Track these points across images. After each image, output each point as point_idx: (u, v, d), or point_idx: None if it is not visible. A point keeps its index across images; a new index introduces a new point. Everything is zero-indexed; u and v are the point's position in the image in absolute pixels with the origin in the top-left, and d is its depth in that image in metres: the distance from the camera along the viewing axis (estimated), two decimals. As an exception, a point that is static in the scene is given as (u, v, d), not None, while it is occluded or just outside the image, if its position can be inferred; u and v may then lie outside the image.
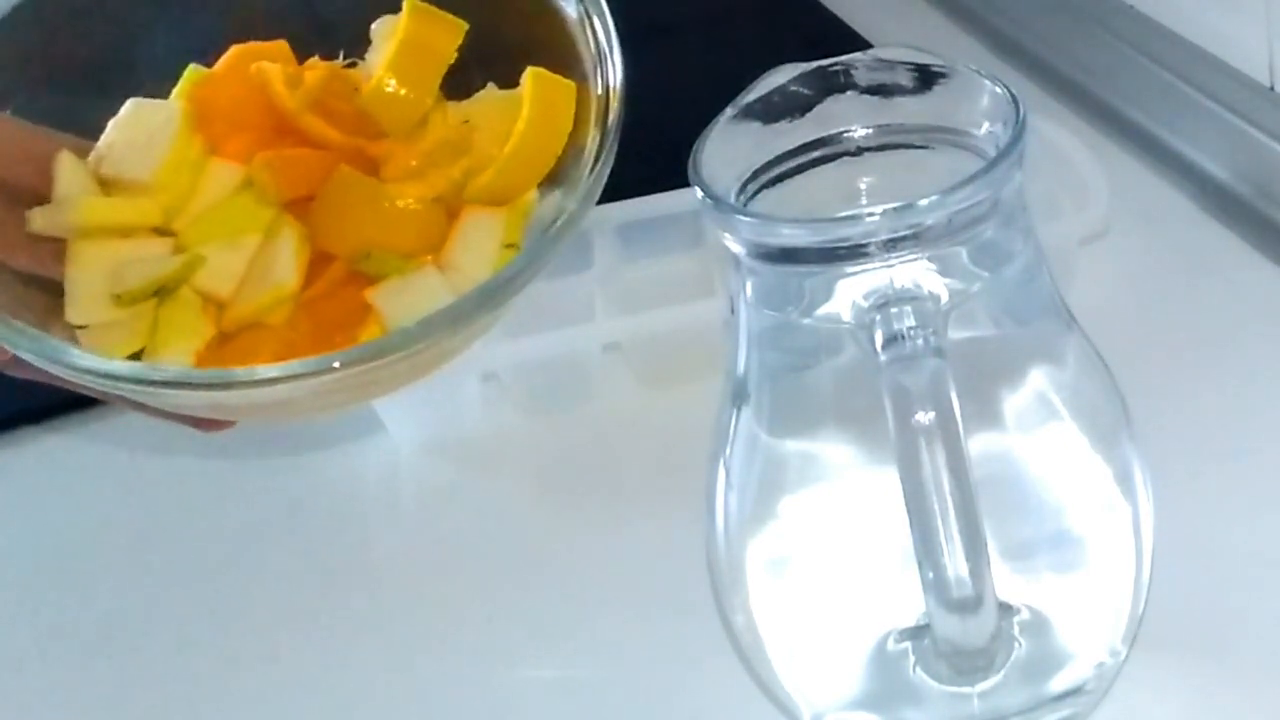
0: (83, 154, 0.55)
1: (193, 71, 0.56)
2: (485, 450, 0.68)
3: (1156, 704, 0.52)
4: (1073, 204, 0.68)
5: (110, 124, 0.55)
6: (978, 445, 0.45)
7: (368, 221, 0.54)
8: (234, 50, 0.57)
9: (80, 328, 0.52)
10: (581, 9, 0.56)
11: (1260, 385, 0.63)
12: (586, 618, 0.59)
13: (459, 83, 0.57)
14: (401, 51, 0.56)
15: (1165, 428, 0.55)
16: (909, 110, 0.49)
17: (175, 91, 0.56)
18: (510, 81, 0.56)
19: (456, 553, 0.63)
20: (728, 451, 0.50)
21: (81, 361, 0.49)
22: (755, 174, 0.49)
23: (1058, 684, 0.49)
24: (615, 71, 0.54)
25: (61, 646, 0.63)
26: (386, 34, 0.57)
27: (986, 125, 0.47)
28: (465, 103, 0.57)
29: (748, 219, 0.46)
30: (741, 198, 0.48)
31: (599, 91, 0.54)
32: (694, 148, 0.48)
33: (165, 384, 0.49)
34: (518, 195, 0.54)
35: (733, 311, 0.50)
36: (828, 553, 0.49)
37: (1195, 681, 0.52)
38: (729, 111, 0.49)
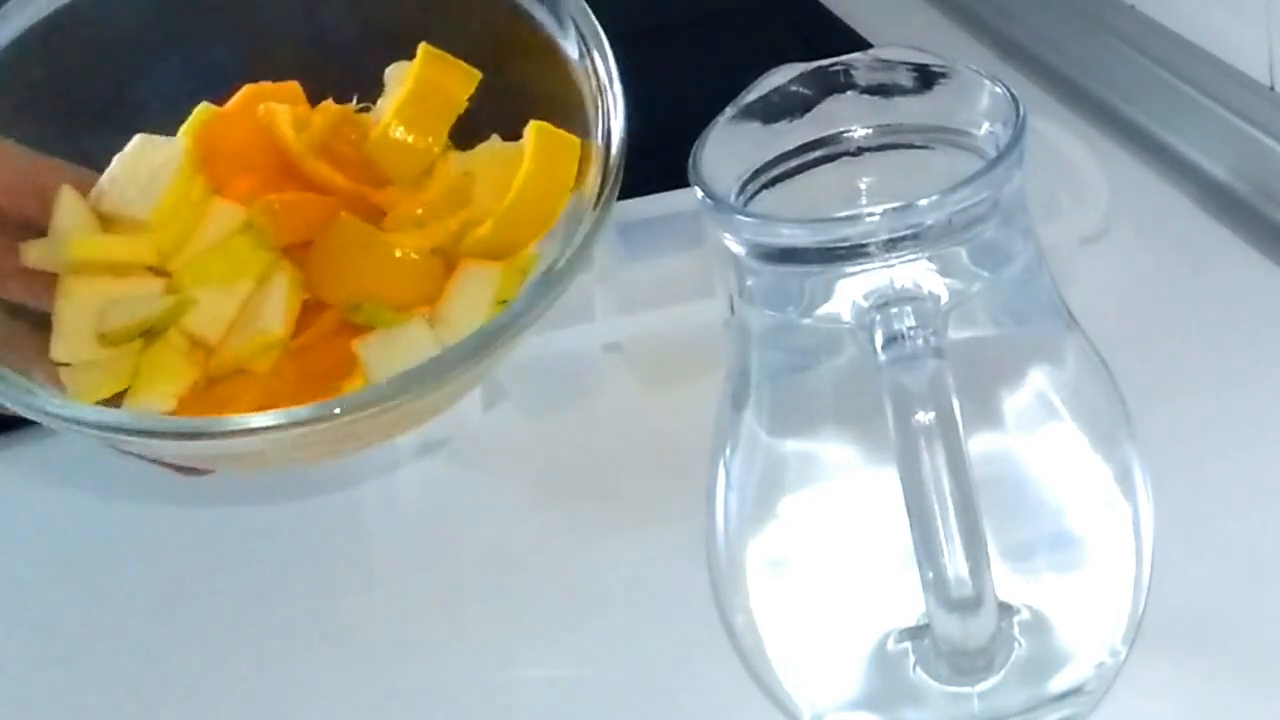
0: (87, 185, 0.54)
1: (203, 110, 0.55)
2: (485, 450, 0.68)
3: (1156, 704, 0.51)
4: (1073, 204, 0.68)
5: (115, 159, 0.54)
6: (978, 445, 0.45)
7: (364, 271, 0.53)
8: (246, 89, 0.56)
9: (64, 365, 0.52)
10: (581, 45, 0.55)
11: (1260, 385, 0.63)
12: (586, 618, 0.59)
13: (463, 128, 0.56)
14: (411, 98, 0.55)
15: (1165, 428, 0.55)
16: (909, 110, 0.49)
17: (183, 129, 0.55)
18: (513, 127, 0.55)
19: (456, 553, 0.63)
20: (728, 451, 0.50)
21: (50, 407, 0.48)
22: (755, 174, 0.49)
23: (1058, 684, 0.49)
24: (617, 120, 0.53)
25: (62, 643, 0.63)
26: (399, 79, 0.56)
27: (986, 125, 0.47)
28: (469, 153, 0.56)
29: (748, 219, 0.46)
30: (741, 198, 0.48)
31: (599, 141, 0.53)
32: (694, 148, 0.48)
33: (131, 432, 0.48)
34: (515, 251, 0.53)
35: (733, 311, 0.50)
36: (828, 553, 0.49)
37: (1195, 681, 0.52)
38: (729, 111, 0.49)
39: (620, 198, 0.63)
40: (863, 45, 0.78)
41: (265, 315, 0.52)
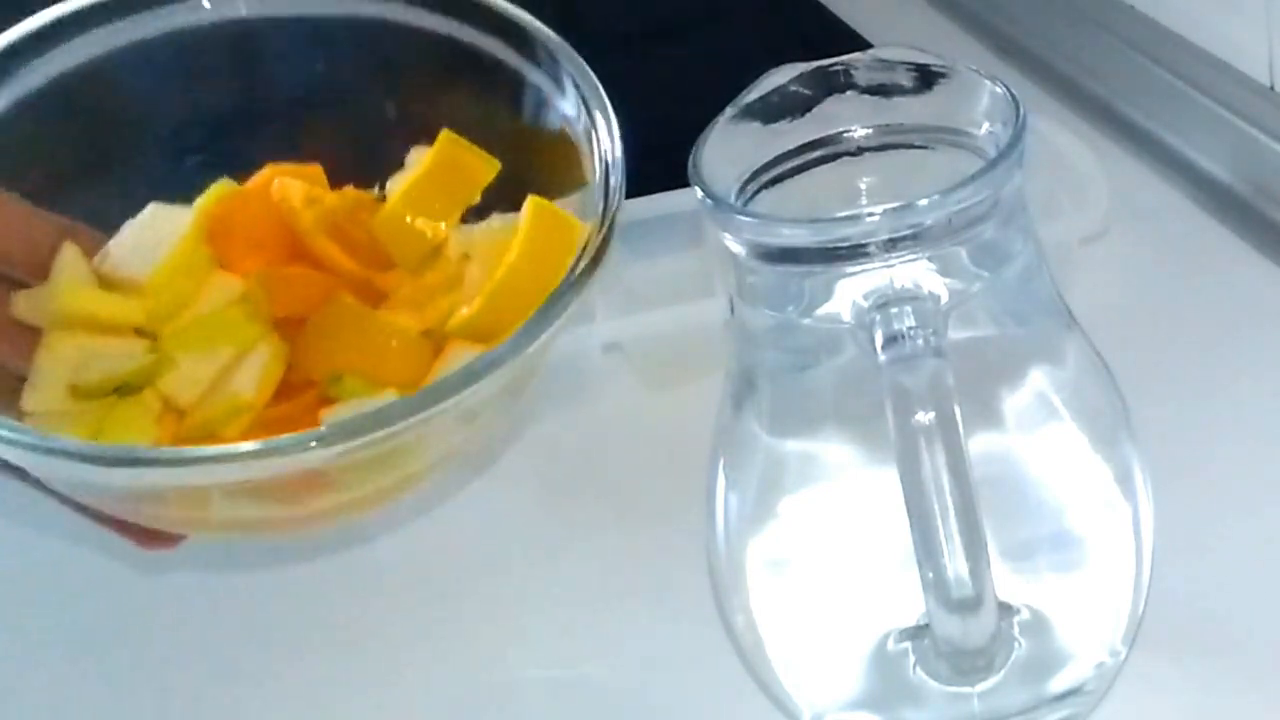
0: (92, 245, 0.54)
1: (221, 185, 0.55)
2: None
3: (1156, 704, 0.52)
4: (1073, 204, 0.68)
5: (125, 225, 0.54)
6: (978, 445, 0.45)
7: (350, 347, 0.52)
8: (268, 169, 0.56)
9: (29, 415, 0.51)
10: (581, 104, 0.54)
11: (1260, 385, 0.63)
12: (586, 618, 0.59)
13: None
14: (422, 181, 0.55)
15: (1165, 428, 0.55)
16: (909, 110, 0.49)
17: (198, 202, 0.55)
18: (517, 199, 0.54)
19: (456, 553, 0.63)
20: (728, 451, 0.50)
21: (6, 433, 0.47)
22: (755, 174, 0.49)
23: (1058, 684, 0.49)
24: (616, 190, 0.52)
25: (61, 639, 0.63)
26: (419, 163, 0.56)
27: (986, 125, 0.47)
28: (468, 231, 0.55)
29: (748, 219, 0.46)
30: (741, 198, 0.48)
31: (596, 214, 0.52)
32: (694, 148, 0.48)
33: (61, 454, 0.46)
34: (504, 332, 0.50)
35: (733, 311, 0.50)
36: (828, 553, 0.49)
37: (1195, 681, 0.52)
38: (729, 111, 0.49)
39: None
40: (863, 45, 0.78)
41: (240, 379, 0.51)
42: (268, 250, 0.54)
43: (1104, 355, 0.50)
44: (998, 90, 0.47)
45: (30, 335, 0.52)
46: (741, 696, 0.54)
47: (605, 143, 0.53)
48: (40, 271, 0.53)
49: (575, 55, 0.55)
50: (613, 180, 0.52)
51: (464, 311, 0.53)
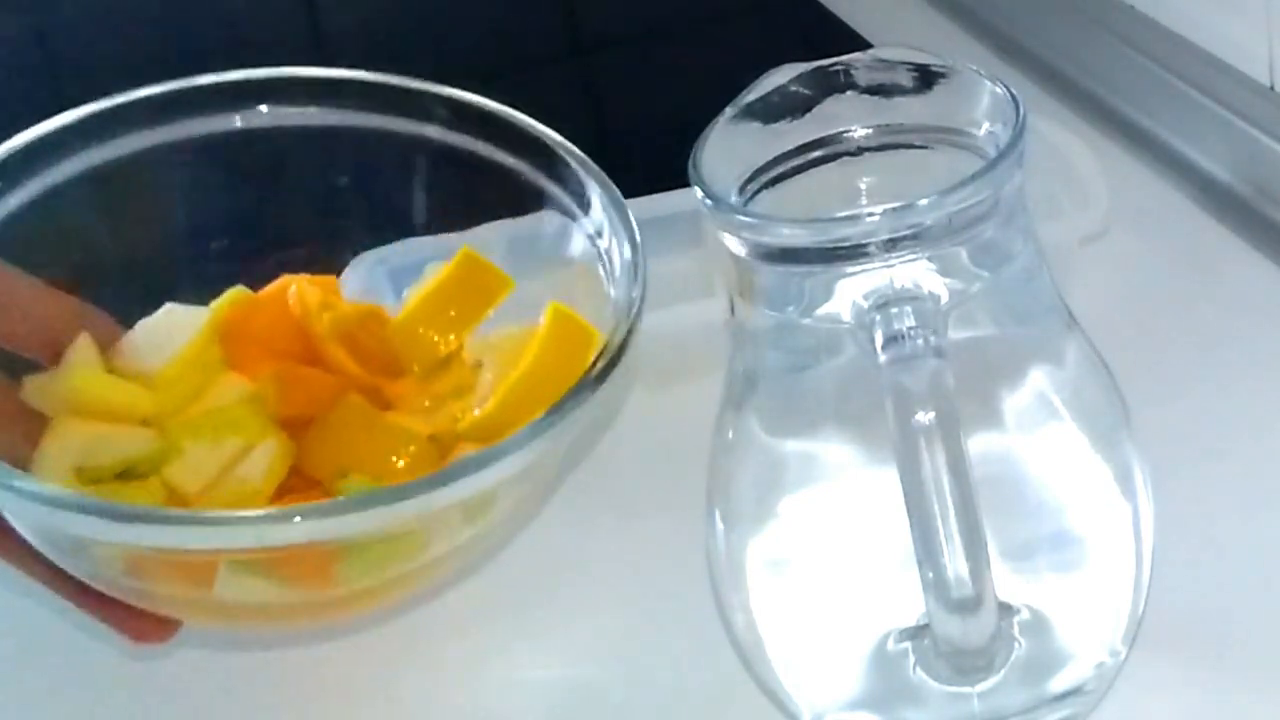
0: (101, 327, 0.55)
1: (236, 291, 0.56)
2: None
3: (1156, 704, 0.52)
4: (1073, 204, 0.68)
5: (140, 322, 0.55)
6: (978, 445, 0.45)
7: (359, 447, 0.52)
8: (284, 279, 0.57)
9: None
10: (606, 219, 0.55)
11: (1260, 385, 0.63)
12: (586, 618, 0.59)
13: None
14: (436, 296, 0.56)
15: (1165, 428, 0.55)
16: (909, 110, 0.49)
17: (213, 304, 0.56)
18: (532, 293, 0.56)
19: (456, 553, 0.63)
20: (728, 451, 0.50)
21: (16, 483, 0.47)
22: (755, 174, 0.49)
23: (1058, 684, 0.49)
24: (636, 304, 0.52)
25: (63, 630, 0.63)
26: (435, 275, 0.57)
27: (986, 125, 0.47)
28: (485, 335, 0.56)
29: (748, 219, 0.46)
30: (741, 198, 0.48)
31: (612, 323, 0.53)
32: (694, 148, 0.48)
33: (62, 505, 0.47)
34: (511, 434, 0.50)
35: (733, 311, 0.50)
36: (828, 553, 0.50)
37: (1195, 681, 0.52)
38: (729, 111, 0.49)
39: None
40: (863, 45, 0.78)
41: (246, 468, 0.52)
42: (279, 355, 0.55)
43: (1104, 355, 0.50)
44: (998, 90, 0.47)
45: (38, 421, 0.53)
46: (741, 696, 0.54)
47: (627, 255, 0.54)
48: (53, 354, 0.54)
49: (598, 169, 0.56)
50: (634, 294, 0.53)
51: (475, 413, 0.54)
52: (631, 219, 0.54)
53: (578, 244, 0.56)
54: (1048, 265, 0.49)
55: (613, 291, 0.54)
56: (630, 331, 0.51)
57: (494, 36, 0.97)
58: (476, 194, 0.59)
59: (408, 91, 0.59)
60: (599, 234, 0.55)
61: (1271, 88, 0.71)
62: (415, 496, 0.47)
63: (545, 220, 0.57)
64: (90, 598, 0.53)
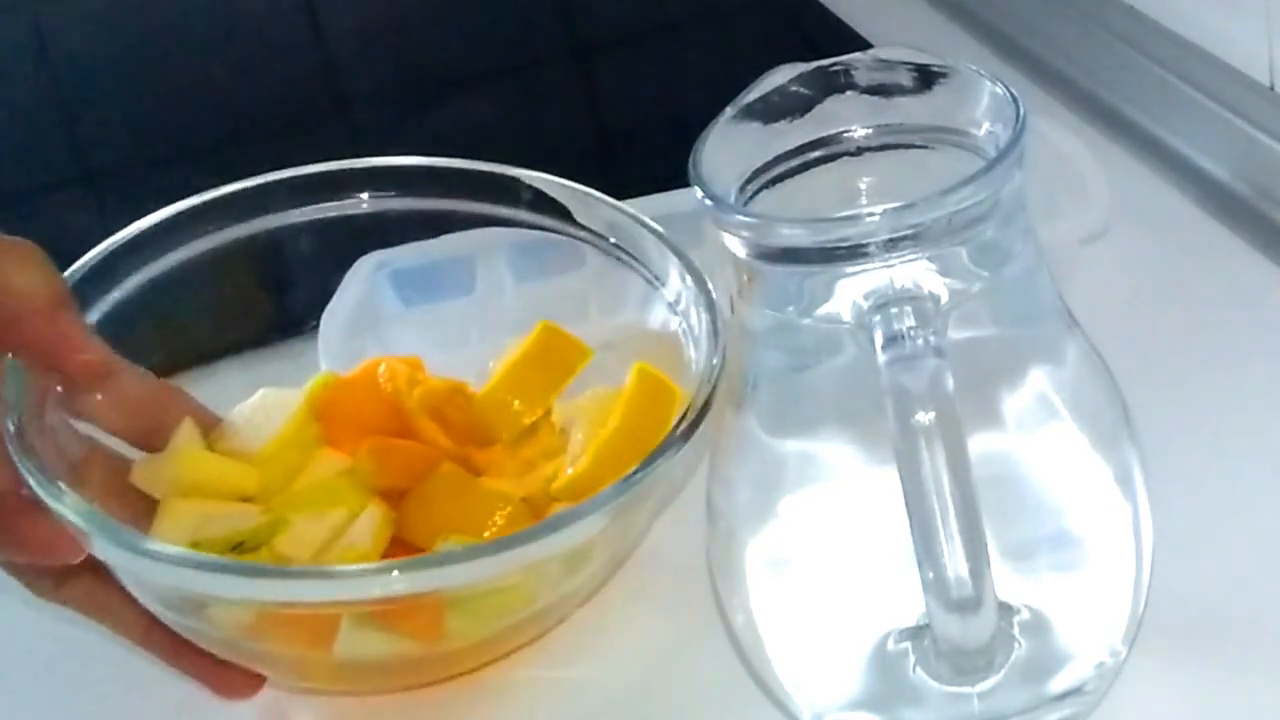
0: (201, 417, 0.57)
1: (327, 374, 0.60)
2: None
3: (1156, 704, 0.52)
4: (1073, 204, 0.68)
5: (235, 408, 0.58)
6: (978, 445, 0.45)
7: (456, 513, 0.55)
8: (372, 359, 0.60)
9: None
10: (685, 292, 0.58)
11: (1260, 385, 0.63)
12: (585, 618, 0.59)
13: None
14: (518, 368, 0.59)
15: (1165, 428, 0.55)
16: (909, 110, 0.49)
17: (306, 385, 0.59)
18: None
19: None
20: (728, 451, 0.50)
21: (155, 548, 0.50)
22: (755, 174, 0.49)
23: (1058, 684, 0.49)
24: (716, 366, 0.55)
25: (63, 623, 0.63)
26: (516, 347, 0.60)
27: (986, 125, 0.47)
28: (573, 398, 0.59)
29: (748, 219, 0.46)
30: (741, 198, 0.48)
31: (695, 384, 0.55)
32: (694, 148, 0.48)
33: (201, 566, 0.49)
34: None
35: (733, 311, 0.50)
36: (828, 553, 0.50)
37: (1195, 681, 0.52)
38: (729, 111, 0.49)
39: (620, 198, 0.63)
40: (863, 45, 0.78)
41: (353, 534, 0.54)
42: (372, 431, 0.57)
43: (1104, 355, 0.50)
44: (998, 90, 0.47)
45: (146, 503, 0.55)
46: (741, 696, 0.54)
47: (706, 320, 0.57)
48: (156, 440, 0.56)
49: (680, 247, 0.59)
50: (714, 359, 0.55)
51: (569, 473, 0.56)
52: (710, 288, 0.58)
53: (658, 314, 0.60)
54: (1048, 265, 0.49)
55: (693, 353, 0.57)
56: (714, 391, 0.54)
57: (494, 37, 0.97)
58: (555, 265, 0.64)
59: (495, 177, 0.62)
60: (677, 302, 0.59)
61: (1271, 88, 0.71)
62: (514, 549, 0.50)
63: (629, 288, 0.61)
64: (183, 656, 0.55)
